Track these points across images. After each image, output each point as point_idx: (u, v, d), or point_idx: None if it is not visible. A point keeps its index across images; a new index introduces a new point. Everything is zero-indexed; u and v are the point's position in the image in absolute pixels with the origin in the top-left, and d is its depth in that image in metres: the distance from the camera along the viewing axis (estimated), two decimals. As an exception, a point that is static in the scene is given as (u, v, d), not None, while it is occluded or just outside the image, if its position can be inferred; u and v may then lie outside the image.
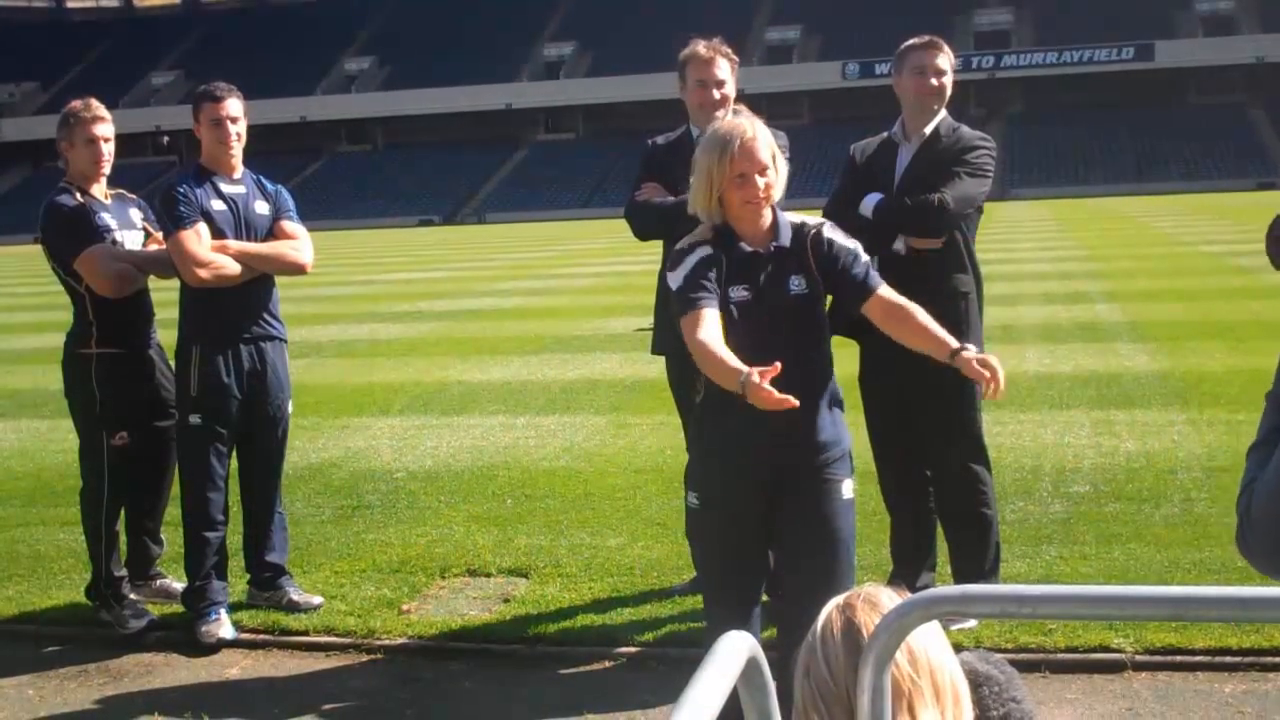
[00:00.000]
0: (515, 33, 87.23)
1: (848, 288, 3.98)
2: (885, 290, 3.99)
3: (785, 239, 3.96)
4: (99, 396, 5.69)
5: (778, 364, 3.56)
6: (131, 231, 5.81)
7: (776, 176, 3.89)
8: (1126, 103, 73.81)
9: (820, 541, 4.00)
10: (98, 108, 5.77)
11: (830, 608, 1.74)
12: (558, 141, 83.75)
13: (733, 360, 3.69)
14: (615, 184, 69.04)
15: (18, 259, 42.20)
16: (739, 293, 3.91)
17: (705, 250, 3.93)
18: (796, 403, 3.60)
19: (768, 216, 3.94)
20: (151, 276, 5.80)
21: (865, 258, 4.03)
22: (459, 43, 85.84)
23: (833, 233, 4.01)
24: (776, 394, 3.52)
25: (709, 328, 3.84)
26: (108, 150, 5.75)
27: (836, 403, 4.04)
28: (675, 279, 3.96)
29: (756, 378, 3.55)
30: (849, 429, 4.10)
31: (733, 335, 3.91)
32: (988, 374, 3.77)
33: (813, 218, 4.10)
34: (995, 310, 5.61)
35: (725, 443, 4.00)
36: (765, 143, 3.85)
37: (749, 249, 3.93)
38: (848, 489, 4.03)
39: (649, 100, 67.45)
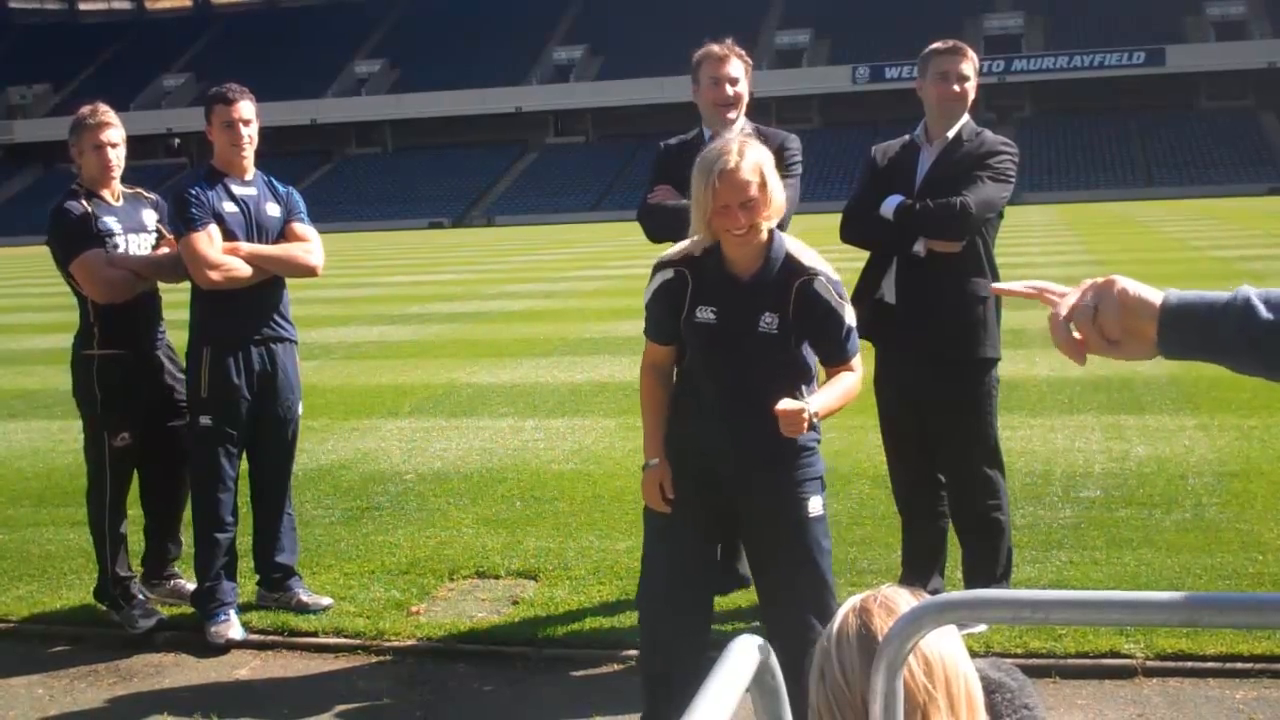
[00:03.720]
0: (525, 36, 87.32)
1: (818, 347, 3.98)
2: (855, 364, 3.97)
3: (771, 273, 3.86)
4: (100, 397, 5.70)
5: (668, 507, 3.90)
6: (140, 235, 5.79)
7: (769, 201, 3.76)
8: (1137, 107, 73.70)
9: (787, 561, 4.00)
10: (105, 113, 5.77)
11: (846, 609, 1.73)
12: (567, 144, 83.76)
13: (655, 435, 3.99)
14: (624, 187, 69.08)
15: (29, 260, 42.30)
16: (705, 314, 3.90)
17: (668, 274, 3.95)
18: (668, 509, 3.87)
19: (759, 244, 3.85)
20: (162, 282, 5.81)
21: (849, 323, 3.94)
22: (469, 46, 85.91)
23: (825, 288, 3.88)
24: (661, 497, 3.89)
25: (654, 373, 4.07)
26: (115, 156, 5.75)
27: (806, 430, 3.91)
28: (645, 293, 4.07)
29: (657, 472, 3.91)
30: (818, 452, 4.08)
31: (695, 351, 4.02)
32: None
33: (815, 259, 3.94)
34: (1006, 314, 5.59)
35: (682, 454, 4.02)
36: (752, 168, 3.72)
37: (729, 272, 3.89)
38: (816, 505, 3.99)
39: (658, 104, 67.58)
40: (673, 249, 4.04)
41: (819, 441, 4.07)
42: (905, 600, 1.69)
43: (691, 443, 4.01)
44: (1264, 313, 1.65)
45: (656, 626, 4.17)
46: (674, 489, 4.01)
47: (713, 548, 4.21)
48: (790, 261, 3.89)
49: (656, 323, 4.07)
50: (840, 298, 3.93)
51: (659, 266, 4.00)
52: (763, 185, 3.74)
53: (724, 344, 3.92)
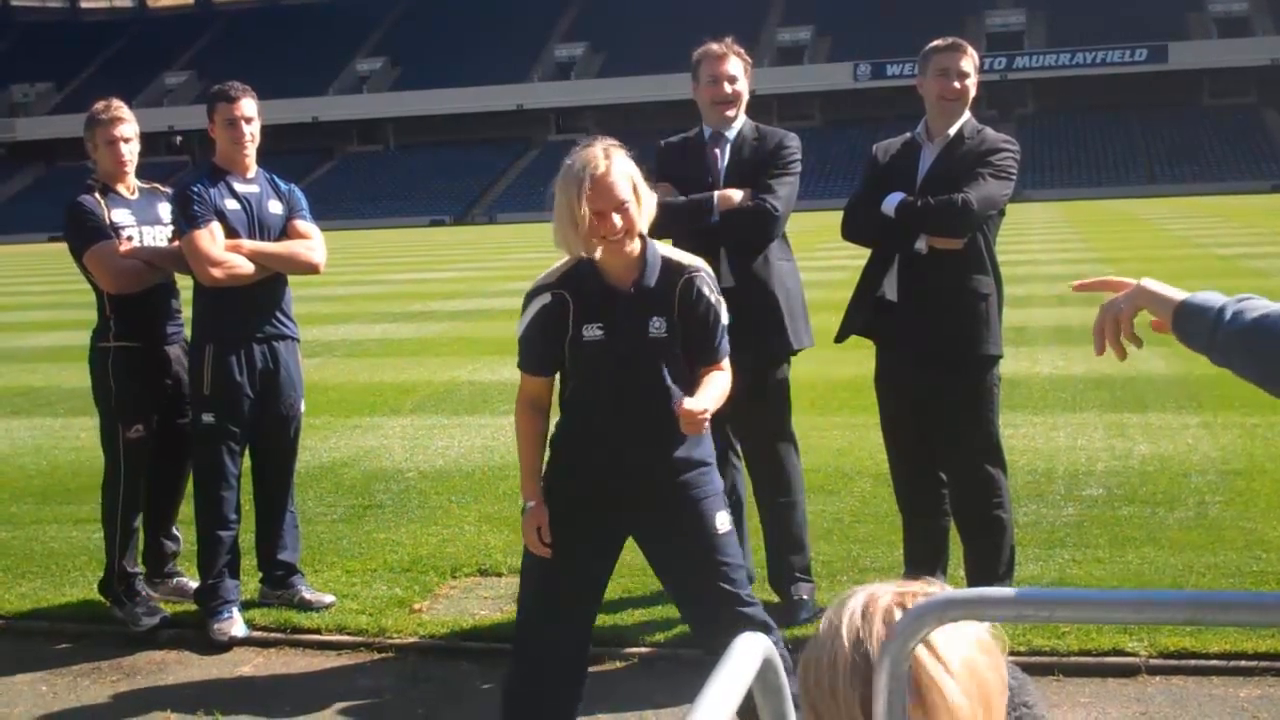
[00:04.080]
0: (527, 33, 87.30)
1: (695, 346, 3.88)
2: (725, 364, 3.93)
3: (651, 278, 3.81)
4: (114, 389, 5.73)
5: (548, 551, 3.80)
6: (155, 227, 5.82)
7: (639, 209, 3.71)
8: (1139, 104, 73.65)
9: (698, 577, 3.91)
10: (118, 108, 5.81)
11: (853, 605, 1.67)
12: (569, 142, 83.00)
13: (533, 475, 3.90)
14: (626, 184, 68.95)
15: (32, 257, 42.34)
16: (592, 332, 3.79)
17: (545, 299, 3.82)
18: (548, 553, 3.79)
19: (634, 251, 3.78)
20: (177, 274, 5.83)
21: (725, 321, 3.92)
22: (470, 43, 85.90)
23: (705, 284, 3.86)
24: (539, 540, 3.81)
25: (530, 409, 3.93)
26: (128, 150, 5.79)
27: (703, 443, 3.92)
28: (519, 327, 3.91)
29: (535, 516, 3.83)
30: (713, 470, 4.02)
31: (584, 375, 3.88)
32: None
33: (690, 258, 3.93)
34: (1008, 312, 5.58)
35: (571, 481, 3.91)
36: (622, 174, 3.67)
37: (608, 285, 3.80)
38: (724, 521, 3.92)
39: (660, 101, 67.52)
40: (544, 273, 3.90)
41: (713, 456, 4.02)
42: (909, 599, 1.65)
43: (583, 465, 3.88)
44: (1227, 316, 1.95)
45: (528, 644, 4.01)
46: (559, 519, 3.87)
47: (604, 566, 4.05)
48: (668, 263, 3.85)
49: (536, 355, 3.90)
50: (719, 296, 3.91)
51: (534, 293, 3.85)
52: (634, 188, 3.70)
53: (615, 358, 3.80)
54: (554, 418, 4.03)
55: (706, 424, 3.67)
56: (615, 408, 3.84)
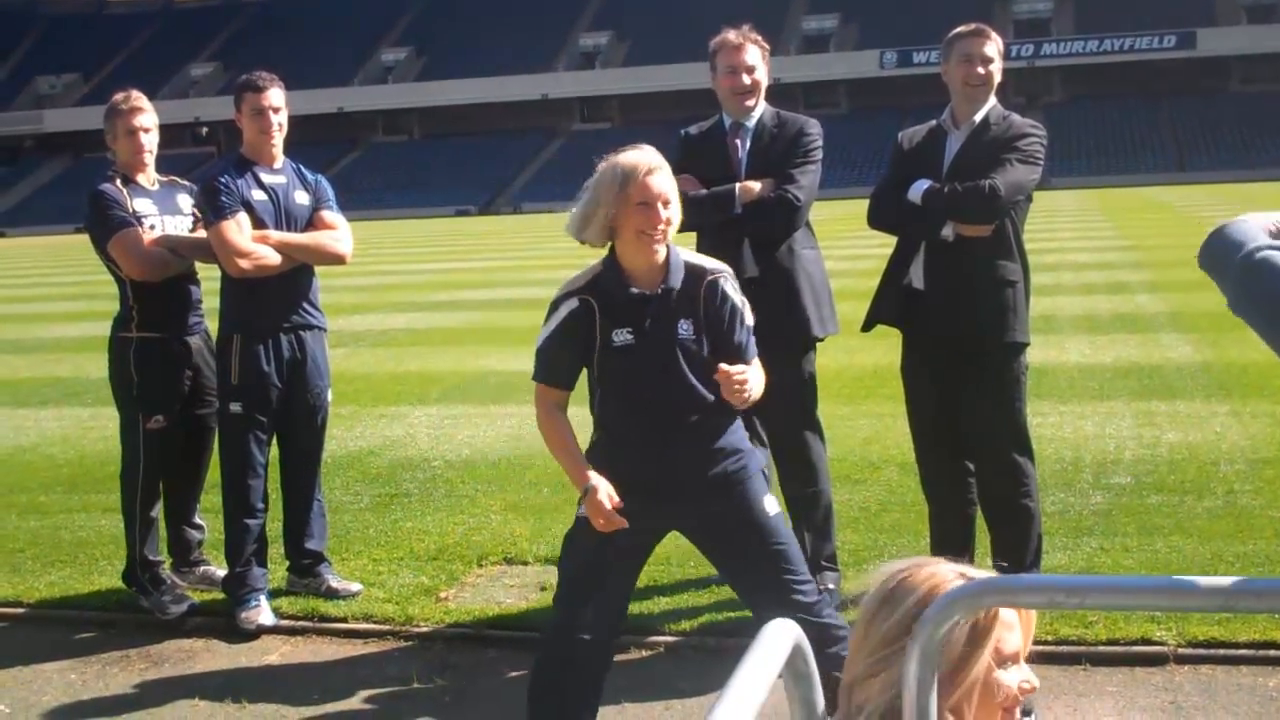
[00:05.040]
0: (551, 23, 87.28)
1: (722, 348, 3.88)
2: (755, 364, 3.94)
3: (676, 281, 3.83)
4: (136, 379, 5.75)
5: (620, 509, 3.70)
6: (177, 218, 5.84)
7: (677, 211, 3.79)
8: (1168, 91, 73.12)
9: (753, 561, 3.93)
10: (137, 99, 5.83)
11: (923, 571, 1.77)
12: (594, 131, 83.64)
13: (579, 461, 3.82)
14: (651, 174, 68.89)
15: (59, 249, 42.62)
16: (622, 337, 3.80)
17: (573, 303, 3.82)
18: (624, 522, 3.70)
19: (661, 254, 3.81)
20: (199, 264, 5.85)
21: (750, 322, 3.94)
22: (495, 33, 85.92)
23: (729, 285, 3.89)
24: (610, 512, 3.69)
25: (555, 411, 3.91)
26: (148, 140, 5.81)
27: (737, 431, 3.96)
28: (541, 336, 3.90)
29: (602, 496, 3.70)
30: (754, 451, 4.07)
31: (614, 381, 3.88)
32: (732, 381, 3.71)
33: (712, 261, 3.97)
34: (1035, 300, 5.55)
35: (615, 475, 3.86)
36: (670, 177, 3.77)
37: (635, 291, 3.80)
38: (770, 504, 3.95)
39: (685, 90, 67.31)
40: (568, 280, 3.90)
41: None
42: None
43: (624, 471, 3.84)
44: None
45: (562, 627, 4.00)
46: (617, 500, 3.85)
47: (640, 557, 4.06)
48: (691, 267, 3.88)
49: (557, 366, 3.90)
50: (743, 297, 3.94)
51: (561, 299, 3.85)
52: (675, 190, 3.79)
53: (646, 363, 3.81)
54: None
55: (748, 392, 3.71)
56: (649, 411, 3.85)
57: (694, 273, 3.87)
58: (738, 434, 3.98)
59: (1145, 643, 4.83)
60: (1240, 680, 4.59)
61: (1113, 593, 1.52)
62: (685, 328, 3.83)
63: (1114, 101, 73.72)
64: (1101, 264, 20.58)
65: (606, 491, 3.74)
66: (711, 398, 3.83)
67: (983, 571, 1.76)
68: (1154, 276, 18.25)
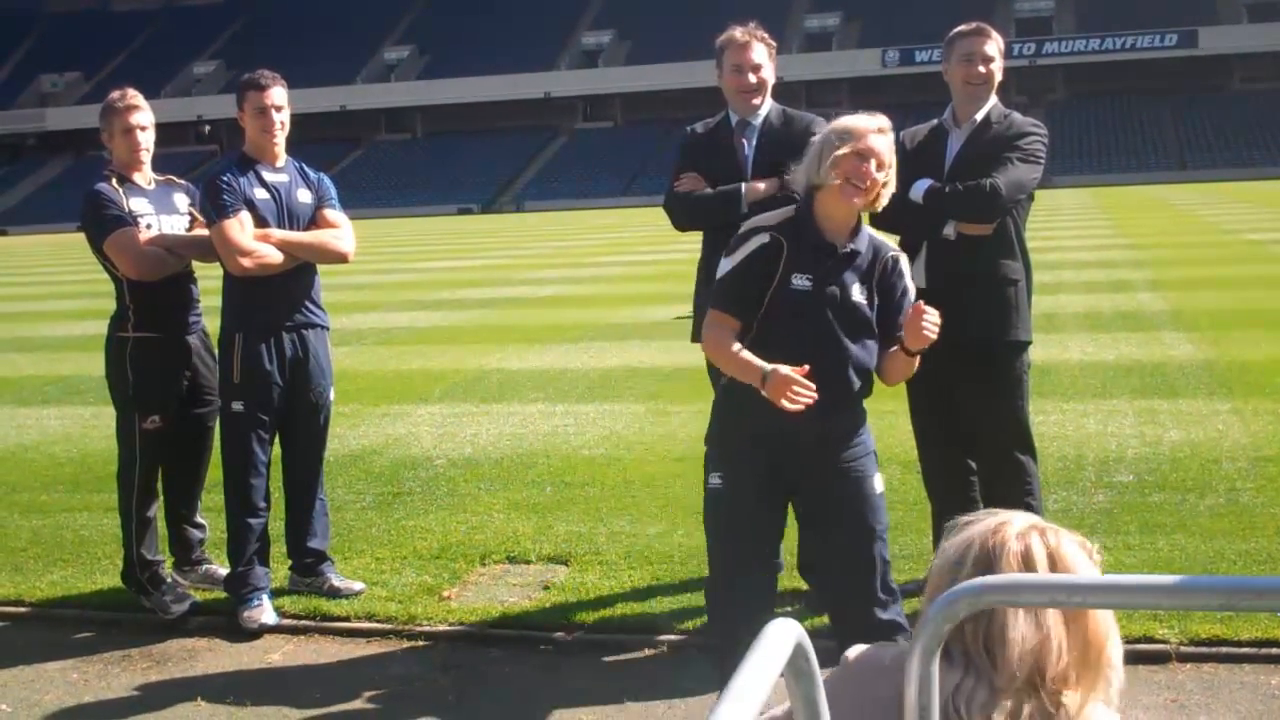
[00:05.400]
0: (553, 21, 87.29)
1: (884, 321, 4.02)
2: None
3: (863, 245, 3.98)
4: (132, 379, 5.74)
5: (806, 366, 3.69)
6: (173, 217, 5.83)
7: (888, 181, 3.92)
8: (1169, 90, 73.09)
9: (853, 536, 4.03)
10: (134, 97, 5.81)
11: (1018, 527, 1.95)
12: (596, 129, 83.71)
13: (755, 359, 3.82)
14: (653, 172, 68.95)
15: (62, 247, 42.64)
16: (801, 281, 3.90)
17: (764, 238, 3.92)
18: (812, 399, 3.70)
19: (855, 214, 3.96)
20: (196, 263, 5.84)
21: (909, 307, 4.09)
22: (498, 31, 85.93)
23: (905, 267, 4.06)
24: (798, 377, 3.68)
25: (728, 335, 3.94)
26: (144, 139, 5.79)
27: (862, 407, 4.11)
28: (726, 265, 3.98)
29: (785, 369, 3.69)
30: (870, 428, 4.18)
31: (780, 321, 3.93)
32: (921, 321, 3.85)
33: (893, 243, 4.15)
34: (1037, 299, 5.55)
35: (744, 435, 4.01)
36: (889, 146, 3.90)
37: (825, 239, 3.93)
38: (878, 483, 4.07)
39: (687, 88, 67.37)
40: (761, 216, 4.05)
41: None
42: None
43: (759, 406, 3.83)
44: None
45: (733, 597, 4.13)
46: (730, 456, 4.02)
47: (778, 506, 4.15)
48: (875, 240, 4.05)
49: (740, 294, 3.95)
50: (911, 282, 4.12)
51: (751, 232, 3.94)
52: (894, 162, 3.94)
53: (817, 312, 3.91)
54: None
55: (934, 332, 3.86)
56: (802, 357, 3.82)
57: (877, 245, 4.04)
58: (863, 411, 4.10)
59: (1148, 640, 4.83)
60: (1243, 678, 4.59)
61: (1114, 591, 1.52)
62: (859, 290, 3.95)
63: (1115, 100, 73.70)
64: (1103, 262, 20.57)
65: (788, 369, 3.75)
66: (866, 363, 3.97)
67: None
68: (1155, 275, 18.25)
